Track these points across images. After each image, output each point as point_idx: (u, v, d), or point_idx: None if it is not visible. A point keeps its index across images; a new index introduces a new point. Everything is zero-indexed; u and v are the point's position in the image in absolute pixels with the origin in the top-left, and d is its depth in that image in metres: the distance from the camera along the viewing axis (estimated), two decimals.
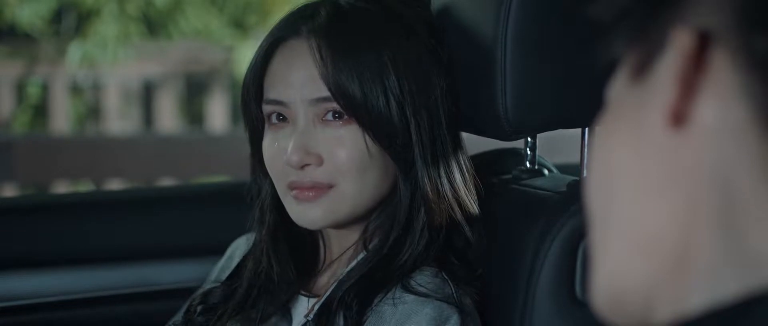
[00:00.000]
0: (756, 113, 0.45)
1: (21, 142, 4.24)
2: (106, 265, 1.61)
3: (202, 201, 1.70)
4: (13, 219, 1.61)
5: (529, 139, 1.26)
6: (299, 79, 1.13)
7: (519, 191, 1.21)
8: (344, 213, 1.15)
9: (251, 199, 1.26)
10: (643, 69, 0.49)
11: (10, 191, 3.88)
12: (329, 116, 1.13)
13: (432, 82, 1.14)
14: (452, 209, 1.15)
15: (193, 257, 1.60)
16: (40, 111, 4.89)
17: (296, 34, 1.14)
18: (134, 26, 5.05)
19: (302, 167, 1.13)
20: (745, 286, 0.45)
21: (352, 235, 1.20)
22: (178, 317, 1.30)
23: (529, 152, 1.27)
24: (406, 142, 1.13)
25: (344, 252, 1.20)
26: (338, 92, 1.11)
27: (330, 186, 1.13)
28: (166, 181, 3.71)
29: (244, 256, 1.28)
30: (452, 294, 1.11)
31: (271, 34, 1.17)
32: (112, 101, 4.86)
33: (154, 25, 5.22)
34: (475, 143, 1.24)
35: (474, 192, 1.18)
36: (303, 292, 1.21)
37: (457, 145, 1.18)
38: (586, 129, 1.18)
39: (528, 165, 1.27)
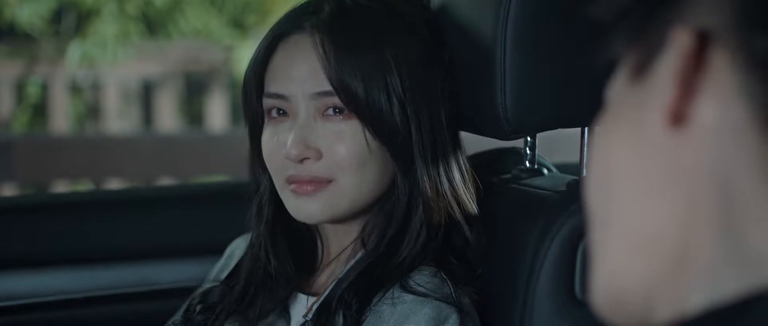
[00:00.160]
0: (756, 113, 0.45)
1: (20, 141, 4.24)
2: (105, 265, 1.61)
3: (202, 201, 1.70)
4: (12, 219, 1.61)
5: (528, 139, 1.27)
6: (301, 74, 1.13)
7: (518, 190, 1.21)
8: (342, 209, 1.15)
9: (250, 196, 1.26)
10: (642, 69, 0.49)
11: (9, 191, 3.88)
12: (330, 111, 1.13)
13: (433, 81, 1.15)
14: (451, 207, 1.15)
15: (192, 256, 1.60)
16: (40, 110, 4.89)
17: (299, 29, 1.15)
18: (134, 26, 5.05)
19: (301, 161, 1.13)
20: (744, 286, 0.45)
21: (351, 234, 1.20)
22: (178, 316, 1.30)
23: (528, 151, 1.27)
24: (405, 140, 1.13)
25: (343, 251, 1.20)
26: (340, 87, 1.11)
27: (329, 181, 1.13)
28: (166, 181, 3.71)
29: (242, 255, 1.28)
30: (451, 293, 1.11)
31: (274, 29, 1.17)
32: (111, 101, 4.86)
33: (153, 25, 5.22)
34: (474, 142, 1.24)
35: (473, 191, 1.18)
36: (301, 291, 1.21)
37: (457, 145, 1.18)
38: (586, 128, 1.18)
39: (527, 164, 1.27)
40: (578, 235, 1.08)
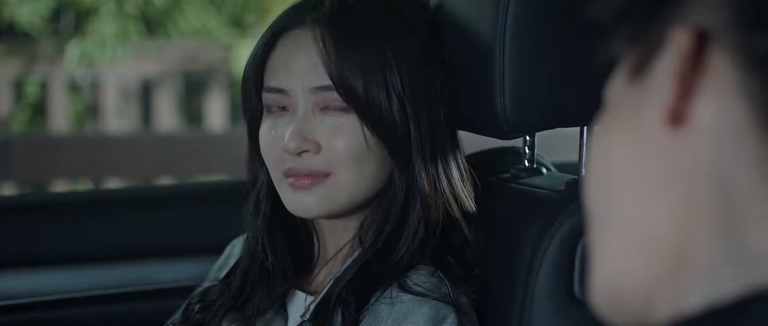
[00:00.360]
0: (754, 112, 0.45)
1: (19, 140, 4.24)
2: (104, 264, 1.61)
3: (201, 200, 1.70)
4: (11, 218, 1.61)
5: (527, 138, 1.26)
6: (301, 68, 1.13)
7: (517, 190, 1.21)
8: (339, 204, 1.15)
9: (247, 191, 1.26)
10: (641, 68, 0.49)
11: (8, 190, 3.88)
12: (329, 106, 1.13)
13: (432, 80, 1.15)
14: (449, 205, 1.15)
15: (191, 256, 1.60)
16: (39, 110, 4.89)
17: (300, 24, 1.15)
18: (133, 25, 5.05)
19: (299, 154, 1.13)
20: (743, 285, 0.45)
21: (348, 231, 1.20)
22: (177, 316, 1.30)
23: (527, 151, 1.27)
24: (404, 138, 1.13)
25: (340, 249, 1.20)
26: (340, 82, 1.11)
27: (326, 175, 1.13)
28: (165, 180, 3.71)
29: (241, 253, 1.28)
30: (449, 293, 1.11)
31: (274, 24, 1.18)
32: (110, 100, 4.86)
33: (152, 24, 5.22)
34: (473, 142, 1.24)
35: (471, 190, 1.18)
36: (299, 289, 1.21)
37: (455, 144, 1.18)
38: (585, 128, 1.18)
39: (526, 163, 1.27)
40: (577, 234, 1.08)
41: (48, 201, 1.74)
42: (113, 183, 3.75)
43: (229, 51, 5.06)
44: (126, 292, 1.56)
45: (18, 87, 4.87)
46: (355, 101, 1.11)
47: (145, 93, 5.05)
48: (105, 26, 4.92)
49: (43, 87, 4.82)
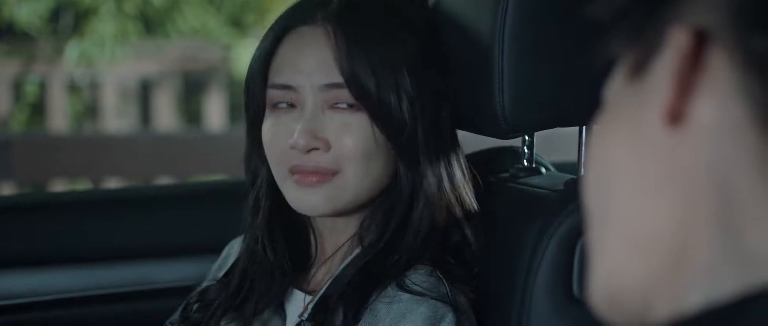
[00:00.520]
0: (753, 112, 0.45)
1: (19, 140, 4.24)
2: (104, 264, 1.61)
3: (200, 200, 1.69)
4: (10, 218, 1.61)
5: (526, 138, 1.27)
6: (310, 65, 1.13)
7: (516, 189, 1.21)
8: (345, 202, 1.15)
9: (246, 189, 1.25)
10: (640, 68, 0.49)
11: (7, 190, 3.88)
12: (339, 104, 1.13)
13: (434, 80, 1.15)
14: (451, 205, 1.15)
15: (190, 255, 1.60)
16: (38, 109, 4.89)
17: (309, 20, 1.14)
18: (132, 25, 5.05)
19: (308, 151, 1.13)
20: (742, 285, 0.45)
21: (347, 230, 1.19)
22: (176, 316, 1.30)
23: (526, 150, 1.27)
24: (411, 137, 1.13)
25: (339, 248, 1.20)
26: (352, 79, 1.11)
27: (334, 173, 1.13)
28: (164, 180, 3.71)
29: (240, 253, 1.28)
30: (447, 293, 1.11)
31: (280, 21, 1.17)
32: (109, 100, 4.86)
33: (151, 24, 5.22)
34: (472, 141, 1.24)
35: (472, 190, 1.18)
36: (297, 288, 1.21)
37: (456, 144, 1.18)
38: (584, 127, 1.18)
39: (525, 163, 1.27)
40: (576, 234, 1.08)
41: (47, 201, 1.74)
42: (113, 183, 3.75)
43: (228, 51, 5.06)
44: (126, 292, 1.56)
45: (17, 87, 4.87)
46: (366, 99, 1.11)
47: (145, 93, 5.05)
48: (104, 26, 4.92)
49: (43, 87, 4.82)
